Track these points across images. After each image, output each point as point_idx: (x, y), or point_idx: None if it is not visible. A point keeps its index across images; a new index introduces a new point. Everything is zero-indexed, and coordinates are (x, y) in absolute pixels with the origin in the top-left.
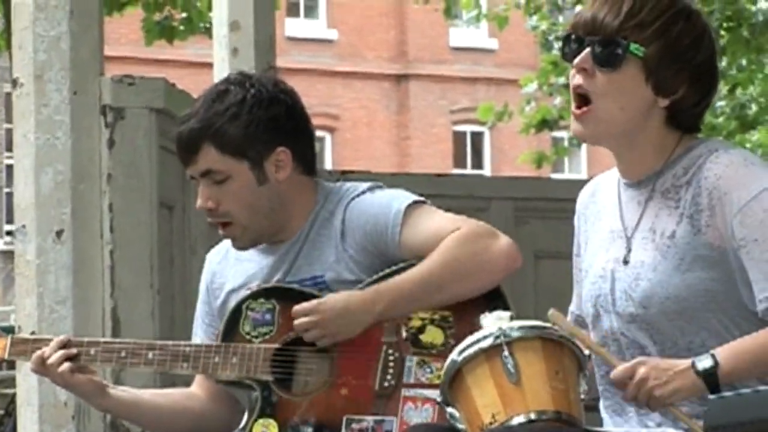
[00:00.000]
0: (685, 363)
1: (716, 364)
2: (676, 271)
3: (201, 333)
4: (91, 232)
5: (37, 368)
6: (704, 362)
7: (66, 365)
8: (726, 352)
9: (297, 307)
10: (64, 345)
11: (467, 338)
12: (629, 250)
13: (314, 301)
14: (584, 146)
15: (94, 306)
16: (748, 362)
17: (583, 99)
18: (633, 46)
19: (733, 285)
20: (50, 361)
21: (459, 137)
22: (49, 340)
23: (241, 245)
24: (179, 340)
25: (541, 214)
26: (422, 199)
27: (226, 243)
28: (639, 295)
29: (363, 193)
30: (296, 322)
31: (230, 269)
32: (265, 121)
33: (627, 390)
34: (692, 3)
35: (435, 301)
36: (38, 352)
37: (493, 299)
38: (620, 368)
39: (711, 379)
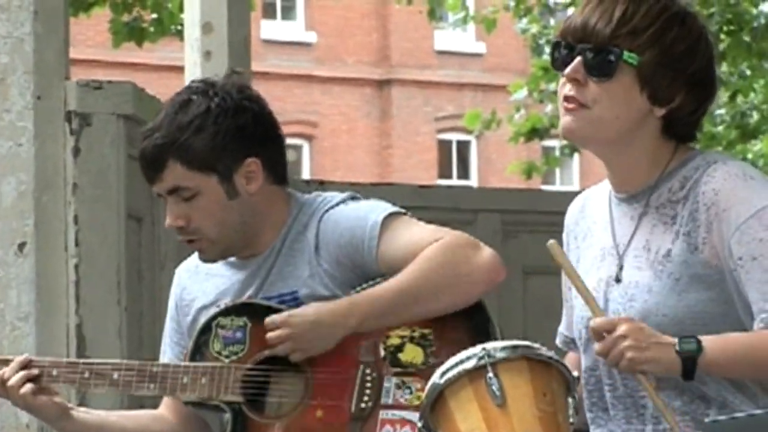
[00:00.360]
0: (669, 338)
1: (700, 350)
2: (672, 291)
3: (169, 352)
4: (55, 245)
5: None
6: (689, 344)
7: (27, 387)
8: (713, 343)
9: (268, 320)
10: (26, 365)
11: (450, 359)
12: (621, 268)
13: (284, 314)
14: (576, 156)
15: (58, 323)
16: (732, 359)
17: (575, 103)
18: (626, 54)
19: (730, 306)
20: (11, 382)
21: (444, 146)
22: (10, 360)
23: (208, 258)
24: (148, 359)
25: (530, 228)
26: (401, 210)
27: (197, 257)
28: (633, 317)
29: (338, 204)
30: (268, 335)
31: (200, 285)
32: (232, 131)
33: (602, 342)
34: (689, 6)
35: (412, 315)
36: None
37: (475, 315)
38: (602, 318)
39: (689, 363)
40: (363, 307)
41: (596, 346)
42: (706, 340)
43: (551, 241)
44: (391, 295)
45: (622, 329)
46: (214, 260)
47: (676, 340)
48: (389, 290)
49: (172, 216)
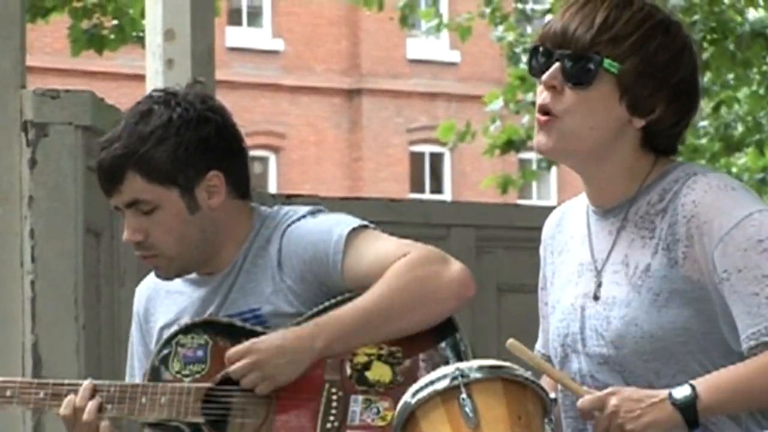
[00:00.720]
0: (661, 394)
1: (696, 395)
2: (652, 307)
3: (138, 376)
4: (11, 261)
5: None
6: (682, 392)
7: None
8: (706, 384)
9: (230, 352)
10: None
11: (422, 378)
12: (599, 285)
13: (247, 343)
14: (554, 170)
15: (12, 341)
16: (729, 395)
17: (550, 116)
18: (607, 62)
19: (713, 323)
20: None
21: (416, 159)
22: None
23: (165, 275)
24: (107, 379)
25: (505, 244)
26: (367, 223)
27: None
28: (611, 334)
29: (302, 218)
30: (231, 368)
31: (161, 304)
32: (194, 143)
33: (595, 423)
34: (673, 14)
35: (381, 335)
36: None
37: (446, 332)
38: (589, 397)
39: (689, 411)
40: (329, 329)
41: (592, 429)
42: (699, 382)
43: (511, 341)
44: (358, 315)
45: (612, 404)
46: (171, 278)
47: (667, 392)
48: (356, 311)
49: (130, 230)
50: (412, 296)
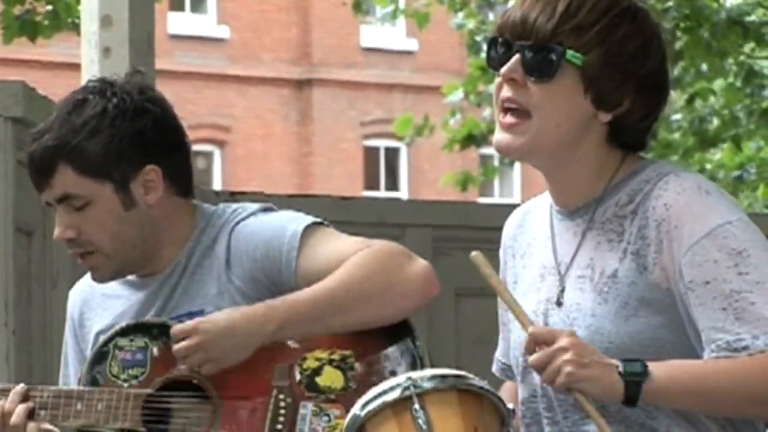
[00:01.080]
0: (613, 360)
1: (646, 374)
2: (618, 316)
3: (74, 383)
4: None
5: None
6: (633, 367)
7: None
8: (661, 369)
9: (174, 329)
10: None
11: (372, 389)
12: (563, 290)
13: (193, 321)
14: (517, 166)
15: None
16: (682, 388)
17: (514, 113)
18: (569, 53)
19: (682, 332)
20: None
21: (371, 154)
22: None
23: (101, 277)
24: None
25: (464, 245)
26: (322, 220)
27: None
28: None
29: (251, 215)
30: (175, 347)
31: (97, 307)
32: (129, 135)
33: (539, 354)
34: (641, 1)
35: (338, 324)
36: None
37: (401, 335)
38: (543, 328)
39: (633, 387)
40: (282, 312)
41: (531, 357)
42: (654, 365)
43: (475, 253)
44: (315, 299)
45: (563, 341)
46: (106, 280)
47: (619, 360)
48: (314, 296)
49: (61, 227)
50: (373, 286)
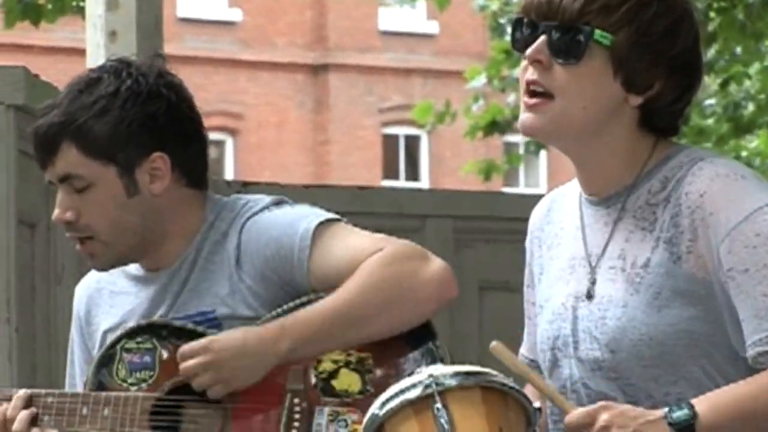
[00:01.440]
0: (657, 412)
1: (694, 415)
2: (651, 307)
3: (80, 385)
4: None
5: None
6: (680, 412)
7: None
8: (705, 404)
9: (183, 348)
10: None
11: (391, 387)
12: (594, 282)
13: (204, 340)
14: (543, 154)
15: None
16: (730, 416)
17: (539, 96)
18: (598, 33)
19: (719, 325)
20: None
21: (390, 142)
22: None
23: (99, 265)
24: (43, 389)
25: (487, 237)
26: (337, 217)
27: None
28: (606, 337)
29: (263, 209)
30: (183, 365)
31: (104, 304)
32: (139, 119)
33: None
34: None
35: (353, 339)
36: None
37: (422, 337)
38: (578, 412)
39: None
40: (295, 331)
41: None
42: (698, 402)
43: (495, 343)
44: (328, 316)
45: (603, 420)
46: (106, 267)
47: (664, 411)
48: (325, 311)
49: (61, 207)
50: (387, 296)
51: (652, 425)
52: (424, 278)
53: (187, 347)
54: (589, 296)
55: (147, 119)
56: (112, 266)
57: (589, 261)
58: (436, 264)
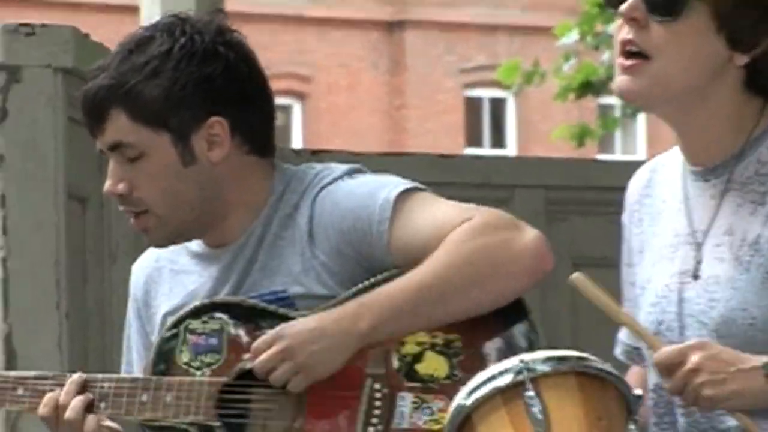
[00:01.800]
0: (753, 360)
1: None
2: (763, 288)
3: (138, 372)
4: None
5: None
6: None
7: None
8: None
9: (256, 343)
10: None
11: (480, 374)
12: (699, 261)
13: (274, 330)
14: (642, 117)
15: None
16: None
17: (636, 56)
18: None
19: None
20: None
21: (473, 105)
22: None
23: (155, 241)
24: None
25: (582, 209)
26: (419, 185)
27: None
28: (715, 322)
29: (338, 179)
30: (257, 362)
31: (165, 285)
32: (194, 80)
33: (672, 379)
34: None
35: (439, 317)
36: None
37: (515, 316)
38: (668, 349)
39: None
40: (375, 308)
41: (666, 384)
42: None
43: (576, 275)
44: (412, 292)
45: (694, 361)
46: (163, 244)
47: (763, 360)
48: (408, 286)
49: (112, 179)
50: (477, 270)
51: (746, 375)
52: (517, 250)
53: (259, 340)
54: (696, 276)
55: (202, 81)
56: (170, 242)
57: (695, 238)
58: (530, 234)
